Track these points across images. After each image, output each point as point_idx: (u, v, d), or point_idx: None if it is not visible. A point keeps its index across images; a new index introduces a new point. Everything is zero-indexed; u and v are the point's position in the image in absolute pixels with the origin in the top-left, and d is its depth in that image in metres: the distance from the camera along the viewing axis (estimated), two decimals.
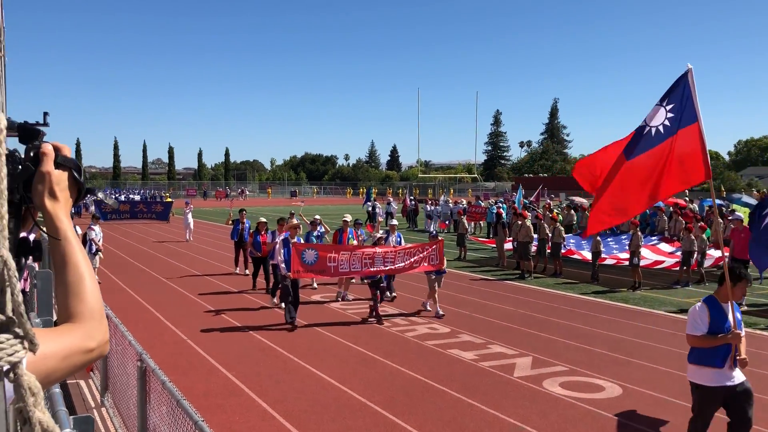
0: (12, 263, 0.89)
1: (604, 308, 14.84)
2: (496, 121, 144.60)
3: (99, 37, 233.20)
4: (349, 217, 16.18)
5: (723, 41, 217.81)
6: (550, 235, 19.98)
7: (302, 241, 14.04)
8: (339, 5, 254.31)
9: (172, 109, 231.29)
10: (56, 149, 1.37)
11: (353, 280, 16.06)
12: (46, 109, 1.45)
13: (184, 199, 46.30)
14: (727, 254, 17.63)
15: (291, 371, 9.84)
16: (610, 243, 21.38)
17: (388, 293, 15.34)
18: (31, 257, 1.31)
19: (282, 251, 12.77)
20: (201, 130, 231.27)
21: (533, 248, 20.17)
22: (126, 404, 7.22)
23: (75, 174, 1.39)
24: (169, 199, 47.80)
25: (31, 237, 1.41)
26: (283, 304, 13.23)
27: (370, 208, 36.68)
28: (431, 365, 10.19)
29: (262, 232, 16.44)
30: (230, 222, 19.97)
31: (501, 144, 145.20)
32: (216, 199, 79.82)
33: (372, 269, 13.14)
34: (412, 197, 44.86)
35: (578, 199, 38.06)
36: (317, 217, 17.20)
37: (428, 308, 14.14)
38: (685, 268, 17.94)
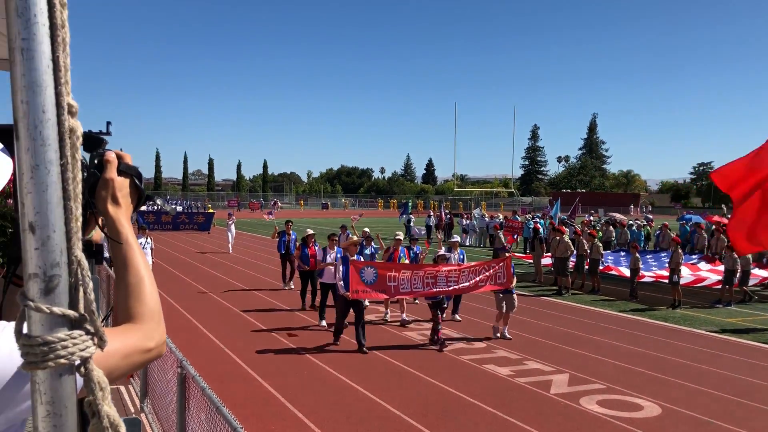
0: (85, 263, 0.93)
1: (642, 326, 14.57)
2: (534, 136, 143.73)
3: (143, 53, 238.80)
4: (401, 235, 15.50)
5: (766, 57, 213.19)
6: (588, 251, 19.72)
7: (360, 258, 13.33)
8: (377, 21, 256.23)
9: (212, 121, 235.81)
10: (119, 157, 1.44)
11: (416, 301, 15.73)
12: (92, 121, 1.52)
13: (226, 211, 46.65)
14: None
15: (326, 382, 9.88)
16: (649, 260, 21.01)
17: (456, 316, 14.72)
18: (93, 261, 1.37)
19: (340, 269, 12.13)
20: (240, 143, 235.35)
21: (571, 264, 19.92)
22: (165, 410, 7.33)
23: (136, 181, 1.45)
24: (211, 210, 48.03)
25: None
26: (324, 323, 13.04)
27: (406, 222, 36.61)
28: (466, 380, 10.13)
29: (310, 245, 15.55)
30: (276, 235, 19.24)
31: (538, 158, 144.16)
32: (249, 210, 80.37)
33: (434, 289, 12.26)
34: (447, 211, 44.69)
35: (617, 216, 37.52)
36: (367, 230, 16.80)
37: (504, 334, 13.00)
38: (727, 287, 17.54)
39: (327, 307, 13.99)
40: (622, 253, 22.00)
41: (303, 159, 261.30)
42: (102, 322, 1.35)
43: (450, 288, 12.46)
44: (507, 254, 13.39)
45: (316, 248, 15.35)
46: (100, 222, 1.45)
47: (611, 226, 27.00)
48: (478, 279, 12.65)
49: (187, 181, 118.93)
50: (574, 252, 20.15)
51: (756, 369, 11.13)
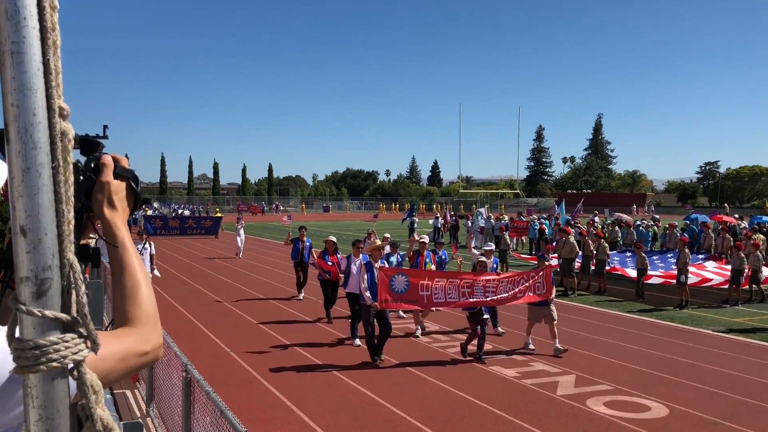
0: (77, 266, 0.93)
1: (649, 327, 14.51)
2: (539, 137, 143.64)
3: (147, 56, 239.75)
4: (426, 238, 14.28)
5: None
6: (594, 251, 19.67)
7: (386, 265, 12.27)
8: (380, 23, 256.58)
9: (217, 125, 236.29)
10: (115, 160, 1.44)
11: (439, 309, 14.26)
12: (96, 125, 1.52)
13: (233, 215, 46.31)
14: None
15: (332, 385, 9.87)
16: (656, 261, 20.94)
17: (499, 329, 13.47)
18: (89, 264, 1.37)
19: (365, 277, 11.14)
20: (245, 147, 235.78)
21: (577, 265, 19.87)
22: (170, 414, 7.34)
23: (132, 184, 1.45)
24: (218, 214, 47.73)
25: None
26: (357, 341, 12.15)
27: (409, 224, 36.65)
28: (472, 382, 10.10)
29: (331, 252, 14.36)
30: (289, 241, 17.88)
31: (544, 159, 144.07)
32: (251, 213, 79.77)
33: (471, 300, 11.36)
34: (452, 213, 44.66)
35: (623, 216, 37.41)
36: (388, 235, 16.04)
37: (560, 347, 11.86)
38: (734, 286, 17.47)
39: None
40: (628, 254, 21.93)
41: (308, 162, 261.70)
42: (109, 326, 1.36)
43: (488, 299, 11.52)
44: (546, 263, 12.53)
45: (338, 256, 14.29)
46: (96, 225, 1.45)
47: (617, 227, 26.93)
48: (517, 290, 11.83)
49: (192, 185, 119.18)
50: (580, 253, 20.10)
51: (763, 369, 11.07)
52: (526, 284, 11.91)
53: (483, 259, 12.32)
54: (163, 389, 7.88)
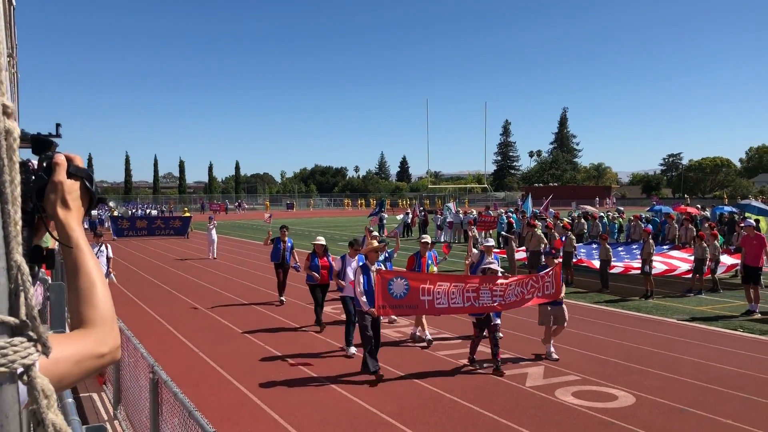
0: (26, 268, 0.91)
1: (616, 317, 14.75)
2: (506, 131, 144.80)
3: (110, 53, 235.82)
4: (428, 239, 13.12)
5: (735, 49, 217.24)
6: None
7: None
8: (347, 19, 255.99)
9: (182, 123, 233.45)
10: (68, 159, 1.40)
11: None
12: (59, 121, 1.48)
13: (204, 214, 45.41)
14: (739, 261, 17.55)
15: (304, 384, 9.84)
16: (621, 252, 21.27)
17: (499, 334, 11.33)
18: (44, 266, 1.34)
19: (361, 280, 10.30)
20: (211, 144, 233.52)
21: (543, 258, 20.07)
22: (139, 416, 7.25)
23: (87, 183, 1.42)
24: (187, 214, 46.80)
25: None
26: (352, 350, 11.35)
27: (378, 219, 36.67)
28: (443, 375, 10.15)
29: (320, 255, 13.46)
30: (269, 242, 16.86)
31: (510, 154, 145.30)
32: (211, 211, 77.10)
33: (477, 305, 10.42)
34: (421, 208, 44.85)
35: (589, 208, 37.92)
36: (375, 232, 15.34)
37: (554, 356, 11.18)
38: (697, 276, 17.83)
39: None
40: (594, 246, 22.25)
41: (276, 159, 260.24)
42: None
43: (495, 303, 10.51)
44: (556, 260, 11.76)
45: (328, 259, 13.44)
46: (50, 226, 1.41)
47: (583, 219, 27.27)
48: (525, 291, 10.89)
49: (158, 184, 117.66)
50: (547, 245, 20.30)
51: (726, 355, 11.33)
52: (536, 285, 11.05)
53: (494, 266, 11.05)
54: (131, 391, 7.78)
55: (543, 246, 19.84)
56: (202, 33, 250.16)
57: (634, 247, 21.43)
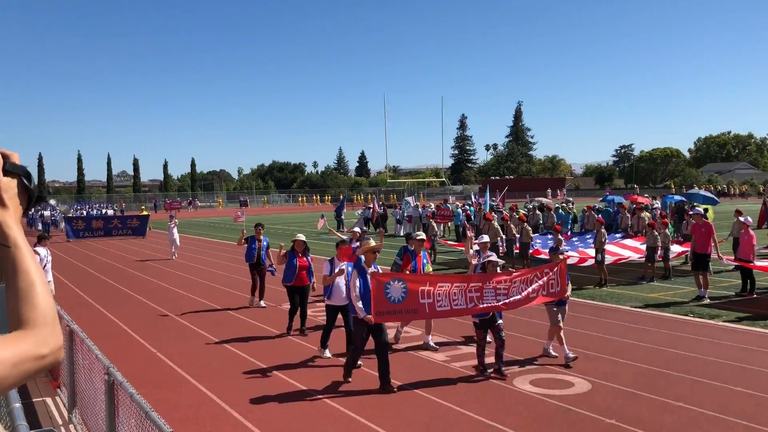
0: None
1: (571, 306, 14.85)
2: (462, 125, 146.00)
3: (59, 48, 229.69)
4: (422, 235, 12.32)
5: (684, 43, 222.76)
6: (517, 235, 20.18)
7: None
8: (303, 14, 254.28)
9: (136, 120, 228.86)
10: (4, 157, 1.36)
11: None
12: (5, 124, 1.44)
13: (164, 213, 44.29)
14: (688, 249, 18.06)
15: (265, 381, 9.78)
16: (575, 241, 21.66)
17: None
18: None
19: (356, 284, 9.48)
20: (166, 141, 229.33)
21: (501, 249, 20.34)
22: (95, 419, 7.11)
23: (25, 181, 1.39)
24: (144, 212, 45.73)
25: None
26: (327, 353, 10.78)
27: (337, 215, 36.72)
28: (402, 368, 10.19)
29: (300, 254, 12.68)
30: (243, 241, 15.77)
31: (467, 147, 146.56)
32: (165, 210, 72.92)
33: (481, 306, 9.78)
34: (380, 203, 44.93)
35: (544, 200, 38.51)
36: (357, 230, 14.57)
37: (553, 353, 10.81)
38: (649, 264, 18.27)
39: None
40: (549, 236, 22.61)
41: (233, 156, 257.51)
42: None
43: (500, 303, 9.90)
44: (561, 256, 11.20)
45: (308, 259, 12.75)
46: None
47: (539, 211, 27.68)
48: (530, 289, 10.26)
49: (111, 183, 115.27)
50: (504, 237, 20.58)
51: (677, 340, 11.66)
52: (540, 283, 10.39)
53: (493, 258, 10.52)
54: (86, 394, 7.62)
55: (499, 238, 20.09)
56: (154, 29, 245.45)
57: (588, 236, 21.84)
